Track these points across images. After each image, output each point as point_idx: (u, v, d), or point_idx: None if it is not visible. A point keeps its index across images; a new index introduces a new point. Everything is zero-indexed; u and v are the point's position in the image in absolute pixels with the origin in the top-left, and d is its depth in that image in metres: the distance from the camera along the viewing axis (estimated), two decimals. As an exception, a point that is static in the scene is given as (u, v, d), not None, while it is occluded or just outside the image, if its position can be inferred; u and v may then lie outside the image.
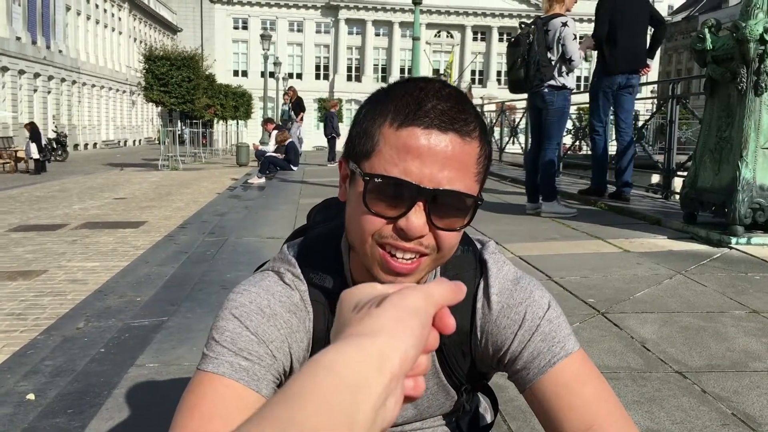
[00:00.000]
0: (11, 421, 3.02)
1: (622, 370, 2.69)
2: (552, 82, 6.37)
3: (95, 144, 46.22)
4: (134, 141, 48.11)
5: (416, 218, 0.91)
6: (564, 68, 6.41)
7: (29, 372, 3.76)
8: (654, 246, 5.15)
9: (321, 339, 1.06)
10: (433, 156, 0.91)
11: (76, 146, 41.12)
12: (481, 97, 34.23)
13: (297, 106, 15.31)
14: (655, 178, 12.61)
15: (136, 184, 17.89)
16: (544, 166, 6.64)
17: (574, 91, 6.89)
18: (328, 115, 16.82)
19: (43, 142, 25.29)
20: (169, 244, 8.00)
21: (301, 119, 16.33)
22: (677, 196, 7.74)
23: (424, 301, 0.49)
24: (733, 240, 5.05)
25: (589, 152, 12.67)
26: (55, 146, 29.07)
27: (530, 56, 6.33)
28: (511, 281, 1.10)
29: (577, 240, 5.43)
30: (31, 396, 3.33)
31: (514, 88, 6.68)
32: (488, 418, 1.33)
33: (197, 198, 14.92)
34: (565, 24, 6.37)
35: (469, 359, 1.12)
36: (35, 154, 23.67)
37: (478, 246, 1.14)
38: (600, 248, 5.10)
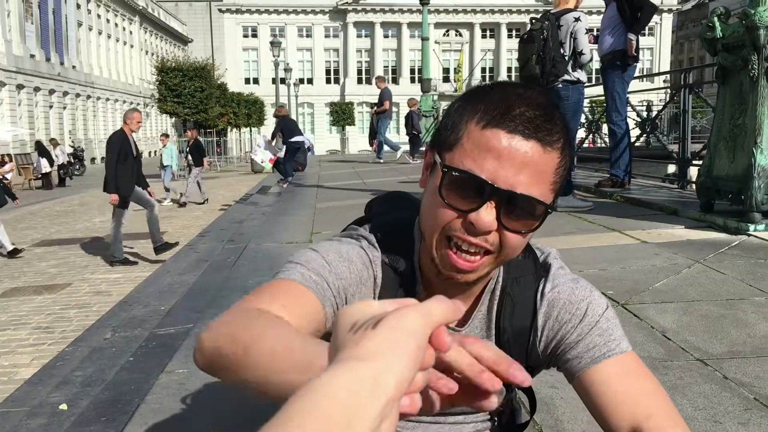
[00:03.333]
0: (47, 431, 3.10)
1: (644, 360, 2.70)
2: (566, 77, 6.39)
3: (111, 157, 46.71)
4: (149, 152, 48.58)
5: (486, 214, 0.95)
6: (576, 63, 6.42)
7: (60, 383, 3.84)
8: (671, 236, 5.16)
9: None
10: (512, 159, 0.94)
11: (93, 160, 41.59)
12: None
13: (278, 125, 14.63)
14: (671, 169, 12.59)
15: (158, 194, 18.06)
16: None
17: (587, 84, 6.91)
18: (409, 114, 16.90)
19: (61, 158, 25.59)
20: (189, 252, 8.09)
21: (274, 139, 15.77)
22: (693, 186, 7.75)
23: (422, 321, 0.49)
24: (751, 227, 5.04)
25: (602, 145, 12.67)
26: (72, 161, 29.42)
27: (545, 52, 6.35)
28: (572, 281, 1.15)
29: (594, 233, 5.45)
30: (63, 406, 3.40)
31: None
32: (525, 415, 1.37)
33: (214, 206, 15.07)
34: (577, 19, 6.39)
35: (524, 359, 1.16)
36: (46, 168, 23.98)
37: (539, 253, 1.20)
38: (617, 240, 5.11)
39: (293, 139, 13.72)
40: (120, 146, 8.85)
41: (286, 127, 14.15)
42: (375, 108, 17.03)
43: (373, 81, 16.88)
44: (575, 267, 4.21)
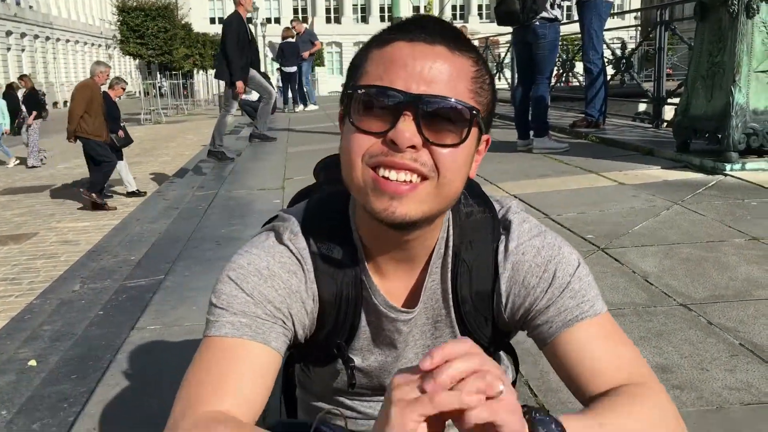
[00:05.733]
0: (15, 389, 3.00)
1: (627, 306, 2.69)
2: (544, 14, 6.22)
3: (74, 101, 45.48)
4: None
5: (405, 126, 0.85)
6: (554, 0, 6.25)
7: (28, 338, 3.72)
8: (648, 177, 5.12)
9: (331, 304, 1.02)
10: (419, 64, 0.87)
11: (55, 104, 40.40)
12: (464, 33, 33.60)
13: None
14: (642, 107, 12.54)
15: (120, 140, 17.61)
16: (536, 101, 6.54)
17: (563, 22, 6.76)
18: None
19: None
20: (158, 200, 7.89)
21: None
22: (668, 125, 7.71)
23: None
24: (728, 167, 5.02)
25: (576, 84, 12.56)
26: (33, 105, 28.46)
27: (527, -13, 6.14)
28: (537, 237, 1.04)
29: (571, 175, 5.39)
30: (32, 362, 3.30)
31: (504, 20, 6.50)
32: (510, 376, 1.30)
33: (183, 151, 14.72)
34: None
35: (490, 323, 1.07)
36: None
37: (498, 207, 1.08)
38: (595, 182, 5.06)
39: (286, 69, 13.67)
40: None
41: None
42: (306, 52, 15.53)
43: (292, 25, 15.72)
44: (553, 210, 4.16)
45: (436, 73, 0.86)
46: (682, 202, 4.24)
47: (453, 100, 0.86)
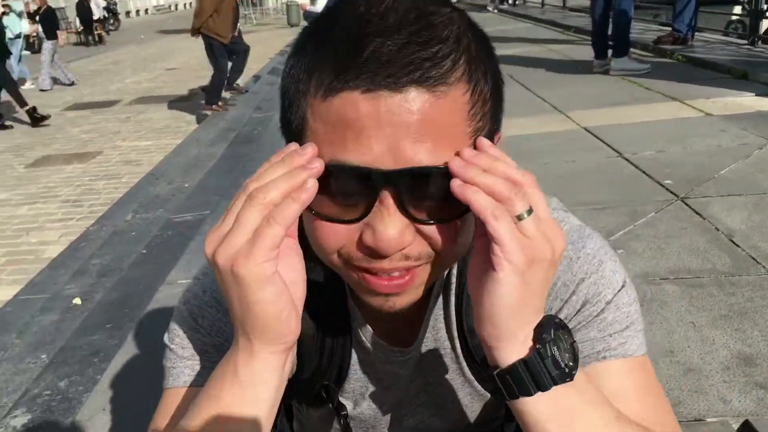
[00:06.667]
0: (57, 330, 2.98)
1: (706, 274, 2.36)
2: None
3: (146, 10, 45.56)
4: (184, 4, 47.23)
5: (386, 224, 0.59)
6: None
7: (77, 272, 3.72)
8: (740, 106, 4.60)
9: (311, 337, 0.80)
10: (390, 131, 0.57)
11: (128, 14, 40.67)
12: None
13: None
14: (736, 13, 11.43)
15: (188, 52, 17.55)
16: (617, 16, 5.95)
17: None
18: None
19: (96, 13, 24.95)
20: (218, 119, 7.81)
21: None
22: (764, 42, 6.97)
23: None
24: (835, 96, 4.45)
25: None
26: (106, 15, 28.73)
27: None
28: (572, 246, 0.77)
29: (651, 103, 4.90)
30: (77, 300, 3.28)
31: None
32: None
33: (249, 64, 14.53)
34: None
35: None
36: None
37: None
38: (677, 112, 4.58)
39: None
40: None
41: None
42: None
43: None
44: (627, 148, 3.77)
45: (416, 137, 0.57)
46: (778, 140, 3.77)
47: (445, 166, 0.58)
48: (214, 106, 8.40)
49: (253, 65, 13.86)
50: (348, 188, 0.59)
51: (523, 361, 0.61)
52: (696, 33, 7.34)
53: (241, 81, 9.70)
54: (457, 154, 0.58)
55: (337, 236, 0.62)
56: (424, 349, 0.83)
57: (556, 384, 0.61)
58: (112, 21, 30.03)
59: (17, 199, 6.24)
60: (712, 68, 5.99)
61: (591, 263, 0.76)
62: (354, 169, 0.58)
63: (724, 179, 3.23)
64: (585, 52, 6.66)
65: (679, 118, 4.42)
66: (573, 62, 6.43)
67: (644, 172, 3.38)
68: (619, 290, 0.76)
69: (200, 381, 0.77)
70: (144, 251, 3.56)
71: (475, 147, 0.61)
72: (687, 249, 2.55)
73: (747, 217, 2.80)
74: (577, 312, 0.75)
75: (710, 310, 2.13)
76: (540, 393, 0.61)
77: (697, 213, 2.87)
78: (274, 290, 0.59)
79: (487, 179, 0.57)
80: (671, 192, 3.11)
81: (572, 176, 3.48)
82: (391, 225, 0.59)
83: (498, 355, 0.62)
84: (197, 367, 0.79)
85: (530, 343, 0.62)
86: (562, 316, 0.75)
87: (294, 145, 0.60)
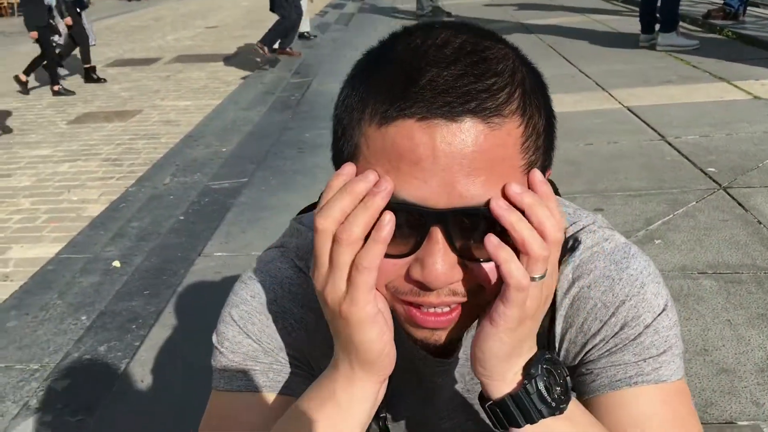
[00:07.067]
0: (97, 292, 3.06)
1: (745, 270, 2.32)
2: None
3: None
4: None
5: (434, 260, 0.60)
6: None
7: (116, 235, 3.79)
8: (791, 90, 4.46)
9: None
10: (445, 163, 0.57)
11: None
12: None
13: None
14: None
15: (228, 9, 17.55)
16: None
17: None
18: None
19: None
20: (256, 82, 7.82)
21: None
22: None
23: None
24: None
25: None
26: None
27: None
28: (615, 265, 0.77)
29: (697, 83, 4.78)
30: (116, 263, 3.35)
31: None
32: None
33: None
34: None
35: None
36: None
37: (570, 223, 0.81)
38: (724, 94, 4.46)
39: None
40: None
41: None
42: None
43: None
44: (671, 131, 3.69)
45: (469, 171, 0.58)
46: (829, 128, 3.65)
47: (496, 204, 0.58)
48: (266, 49, 8.34)
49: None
50: (399, 224, 0.59)
51: (511, 396, 0.65)
52: (748, 8, 7.09)
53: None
54: (504, 188, 0.59)
55: (385, 270, 0.62)
56: (464, 354, 0.85)
57: (544, 417, 0.64)
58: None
59: (59, 156, 6.35)
60: (764, 47, 5.80)
61: (633, 285, 0.76)
62: (407, 205, 0.59)
63: (770, 169, 3.16)
64: (631, 24, 6.49)
65: (725, 101, 4.31)
66: (618, 35, 6.28)
67: (687, 158, 3.31)
68: (659, 314, 0.75)
69: (252, 386, 0.79)
70: (182, 217, 3.62)
71: (528, 179, 0.61)
72: (727, 242, 2.51)
73: (791, 210, 2.74)
74: (614, 335, 0.75)
75: (748, 308, 2.10)
76: (527, 427, 0.64)
77: (739, 204, 2.82)
78: (378, 330, 0.62)
79: (524, 232, 0.58)
80: (714, 180, 3.05)
81: (614, 159, 3.43)
82: (440, 260, 0.60)
83: (488, 390, 0.66)
84: (249, 372, 0.80)
85: (519, 379, 0.65)
86: (599, 337, 0.76)
87: (350, 166, 0.61)
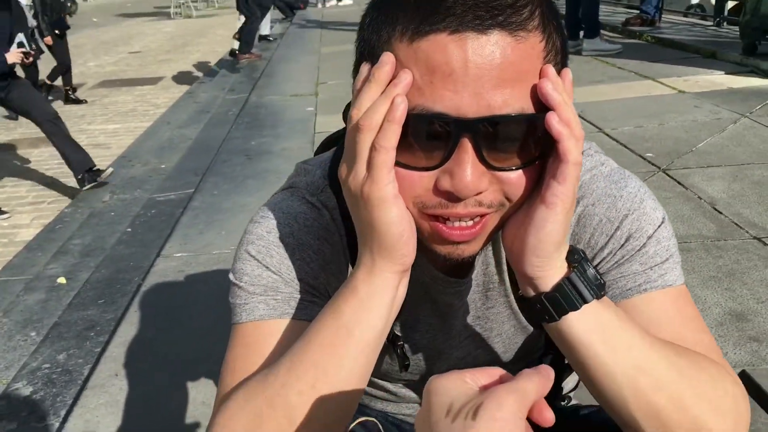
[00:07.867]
0: (44, 308, 2.94)
1: (693, 239, 2.44)
2: None
3: (105, -7, 44.59)
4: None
5: (465, 169, 0.62)
6: None
7: (58, 252, 3.65)
8: (711, 84, 4.72)
9: None
10: (474, 74, 0.60)
11: (85, -3, 39.67)
12: None
13: None
14: None
15: (150, 35, 17.27)
16: (586, -1, 6.04)
17: None
18: None
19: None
20: (188, 102, 7.70)
21: None
22: (730, 23, 7.14)
23: (520, 405, 0.48)
24: (801, 73, 4.59)
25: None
26: (63, -2, 28.02)
27: None
28: (614, 184, 0.82)
29: (625, 81, 5.00)
30: (62, 279, 3.23)
31: None
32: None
33: (214, 48, 14.31)
34: None
35: None
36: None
37: None
38: (652, 90, 4.69)
39: None
40: None
41: None
42: None
43: None
44: (607, 124, 3.85)
45: (497, 82, 0.60)
46: (750, 115, 3.88)
47: (523, 115, 0.62)
48: (247, 55, 8.69)
49: (218, 48, 13.68)
50: (429, 135, 0.62)
51: (567, 278, 0.67)
52: (663, 14, 7.49)
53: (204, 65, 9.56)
54: (541, 73, 0.62)
55: (413, 184, 0.65)
56: (475, 281, 0.88)
57: (597, 296, 0.67)
58: (69, 4, 29.27)
59: (-14, 183, 6.10)
60: (681, 48, 6.13)
61: (633, 201, 0.81)
62: (437, 116, 0.61)
63: (703, 152, 3.33)
64: (556, 33, 6.76)
65: (653, 95, 4.53)
66: (545, 43, 6.52)
67: (625, 146, 3.46)
68: (659, 225, 0.81)
69: (274, 314, 0.79)
70: (129, 229, 3.52)
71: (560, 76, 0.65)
72: (673, 216, 2.63)
73: (727, 186, 2.89)
74: (621, 246, 0.80)
75: (699, 272, 2.21)
76: (584, 307, 0.67)
77: (679, 183, 2.96)
78: (397, 212, 0.64)
79: (570, 112, 0.62)
80: (653, 164, 3.20)
81: (554, 151, 3.54)
82: (469, 168, 0.62)
83: (541, 283, 0.68)
84: (271, 302, 0.80)
85: (566, 265, 0.68)
86: (607, 250, 0.81)
87: (388, 56, 0.63)
